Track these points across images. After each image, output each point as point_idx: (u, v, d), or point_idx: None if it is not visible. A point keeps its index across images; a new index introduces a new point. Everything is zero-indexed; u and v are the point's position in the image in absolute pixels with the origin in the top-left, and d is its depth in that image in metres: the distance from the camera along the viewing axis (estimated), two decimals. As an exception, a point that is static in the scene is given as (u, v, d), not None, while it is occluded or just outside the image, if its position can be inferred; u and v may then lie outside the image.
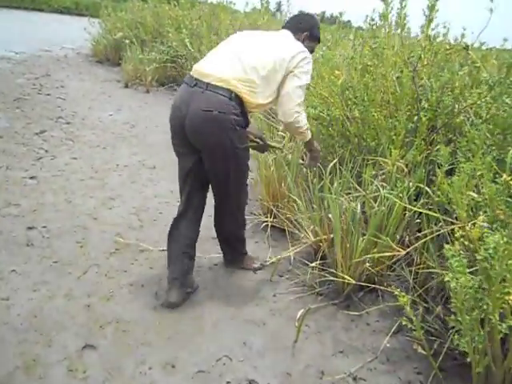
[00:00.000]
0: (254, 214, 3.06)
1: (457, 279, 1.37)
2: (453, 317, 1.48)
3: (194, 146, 2.04)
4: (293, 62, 2.01)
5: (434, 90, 2.54)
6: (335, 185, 2.44)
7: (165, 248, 2.44)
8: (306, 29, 2.20)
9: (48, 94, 6.00)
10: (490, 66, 2.65)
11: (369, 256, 2.14)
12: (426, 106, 2.66)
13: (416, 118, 2.67)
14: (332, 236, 2.39)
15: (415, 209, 1.92)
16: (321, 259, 2.42)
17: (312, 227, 2.54)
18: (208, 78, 1.94)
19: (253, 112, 2.19)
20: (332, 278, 2.21)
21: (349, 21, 7.47)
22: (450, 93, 2.62)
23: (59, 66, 8.20)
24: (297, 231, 2.66)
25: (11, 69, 7.27)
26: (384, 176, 2.51)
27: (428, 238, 1.87)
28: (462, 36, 3.05)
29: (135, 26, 8.43)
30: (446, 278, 1.37)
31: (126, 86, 7.21)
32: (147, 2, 9.11)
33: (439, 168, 2.46)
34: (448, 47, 2.90)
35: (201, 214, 2.28)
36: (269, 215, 2.92)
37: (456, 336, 1.48)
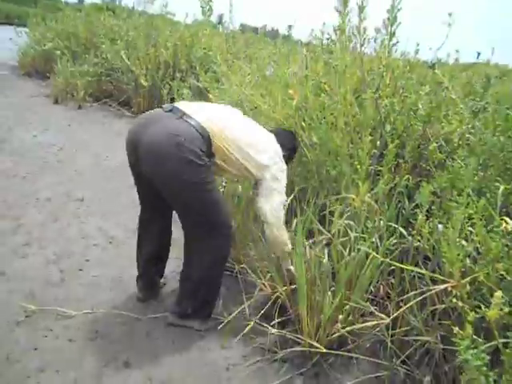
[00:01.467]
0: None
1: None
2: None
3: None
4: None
5: (402, 113, 2.26)
6: (295, 225, 2.07)
7: (91, 310, 2.06)
8: (288, 148, 2.21)
9: (-40, 113, 5.25)
10: (457, 84, 2.41)
11: (341, 317, 1.78)
12: (390, 130, 2.38)
13: (379, 143, 2.37)
14: (294, 286, 2.01)
15: (400, 266, 1.58)
16: (281, 312, 2.03)
17: (269, 275, 2.15)
18: (188, 110, 1.84)
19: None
20: (298, 345, 1.83)
21: (289, 35, 7.28)
22: (414, 115, 2.35)
23: (-22, 80, 7.36)
24: (251, 277, 2.26)
25: None
26: (349, 212, 2.17)
27: (413, 301, 1.52)
28: (416, 52, 2.83)
29: (66, 37, 7.74)
30: (463, 381, 1.02)
31: (56, 102, 6.52)
32: (80, 11, 8.46)
33: (410, 202, 2.19)
34: (408, 64, 2.65)
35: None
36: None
37: None
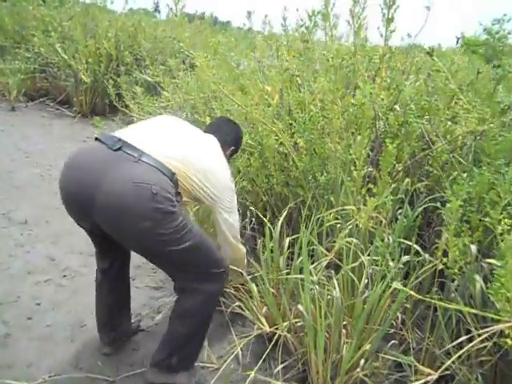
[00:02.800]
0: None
1: None
2: None
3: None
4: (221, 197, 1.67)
5: (395, 109, 1.99)
6: (287, 247, 1.77)
7: (48, 377, 1.68)
8: (232, 144, 1.93)
9: None
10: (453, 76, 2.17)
11: (362, 362, 1.49)
12: (385, 128, 2.10)
13: (373, 145, 2.10)
14: (295, 321, 1.71)
15: (439, 303, 1.29)
16: (282, 354, 1.72)
17: (265, 309, 1.82)
18: (140, 145, 1.48)
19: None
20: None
21: (228, 21, 6.93)
22: (412, 111, 2.08)
23: None
24: (240, 311, 1.93)
25: None
26: (350, 227, 1.88)
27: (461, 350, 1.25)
28: (402, 39, 2.57)
29: (-9, 30, 6.92)
30: None
31: (-16, 104, 5.79)
32: (5, 1, 7.58)
33: (413, 210, 1.93)
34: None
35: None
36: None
37: None
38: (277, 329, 1.75)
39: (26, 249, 2.55)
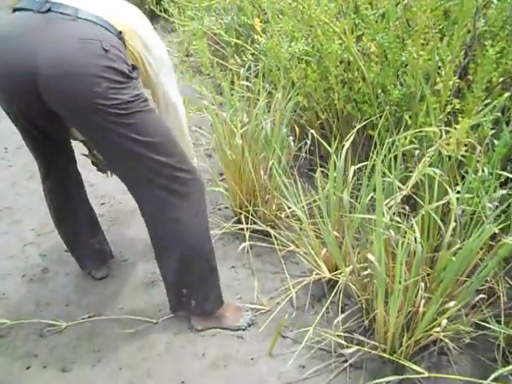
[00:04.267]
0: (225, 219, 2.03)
1: None
2: None
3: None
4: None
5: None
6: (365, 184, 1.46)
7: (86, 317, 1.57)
8: None
9: None
10: None
11: (444, 321, 1.23)
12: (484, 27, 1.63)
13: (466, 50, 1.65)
14: (360, 267, 1.45)
15: None
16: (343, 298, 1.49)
17: (324, 252, 1.57)
18: (75, 3, 1.17)
19: None
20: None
21: None
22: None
23: None
24: (293, 247, 1.70)
25: None
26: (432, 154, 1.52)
27: None
28: None
29: None
30: None
31: None
32: None
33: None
34: None
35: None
36: (245, 220, 1.89)
37: None
38: (338, 274, 1.51)
39: None
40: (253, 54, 2.25)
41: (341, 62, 1.88)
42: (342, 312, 1.47)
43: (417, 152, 1.54)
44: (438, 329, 1.24)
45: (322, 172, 1.63)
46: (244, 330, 1.53)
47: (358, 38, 1.83)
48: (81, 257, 1.69)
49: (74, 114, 1.19)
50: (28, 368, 1.39)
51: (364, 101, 1.87)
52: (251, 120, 1.82)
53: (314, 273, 1.56)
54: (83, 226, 1.64)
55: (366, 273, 1.38)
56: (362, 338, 1.41)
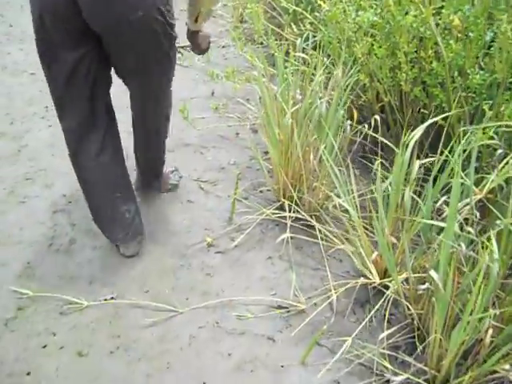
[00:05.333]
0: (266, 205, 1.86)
1: None
2: None
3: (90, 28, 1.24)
4: None
5: None
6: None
7: (109, 297, 1.47)
8: None
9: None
10: None
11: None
12: None
13: None
14: (415, 277, 1.26)
15: None
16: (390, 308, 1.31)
17: (375, 255, 1.38)
18: None
19: None
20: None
21: None
22: None
23: None
24: (339, 243, 1.52)
25: None
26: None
27: None
28: None
29: None
30: None
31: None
32: None
33: None
34: None
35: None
36: (287, 206, 1.72)
37: None
38: (388, 281, 1.32)
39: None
40: (311, 24, 2.05)
41: (413, 38, 1.64)
42: (388, 323, 1.30)
43: (499, 151, 1.30)
44: (507, 366, 1.05)
45: (382, 164, 1.42)
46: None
47: (438, 10, 1.58)
48: (109, 226, 1.58)
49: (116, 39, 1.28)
50: (44, 347, 1.31)
51: (435, 84, 1.63)
52: (305, 97, 1.62)
53: (362, 277, 1.38)
54: (117, 188, 1.54)
55: (423, 287, 1.19)
56: (408, 358, 1.24)
